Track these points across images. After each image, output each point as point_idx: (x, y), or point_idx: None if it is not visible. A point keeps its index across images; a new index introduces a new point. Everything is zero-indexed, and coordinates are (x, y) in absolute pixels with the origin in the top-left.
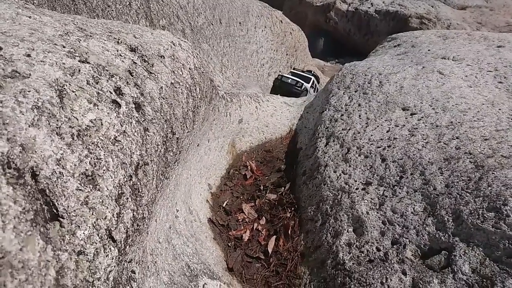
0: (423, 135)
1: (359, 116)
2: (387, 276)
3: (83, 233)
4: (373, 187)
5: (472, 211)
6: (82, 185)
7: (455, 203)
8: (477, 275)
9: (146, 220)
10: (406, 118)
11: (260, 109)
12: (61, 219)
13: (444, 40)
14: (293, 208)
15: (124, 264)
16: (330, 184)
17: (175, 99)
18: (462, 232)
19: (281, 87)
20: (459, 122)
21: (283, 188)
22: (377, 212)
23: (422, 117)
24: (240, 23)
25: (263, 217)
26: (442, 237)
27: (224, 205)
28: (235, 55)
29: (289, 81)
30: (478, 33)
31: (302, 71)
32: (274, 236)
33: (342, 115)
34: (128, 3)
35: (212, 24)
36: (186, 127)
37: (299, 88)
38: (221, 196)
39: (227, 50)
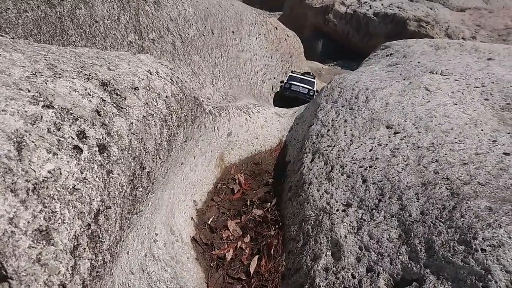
0: (404, 156)
1: (345, 132)
2: None
3: None
4: (353, 209)
5: (444, 243)
6: (35, 242)
7: (428, 232)
8: None
9: (108, 264)
10: (389, 137)
11: (250, 121)
12: (10, 280)
13: (436, 51)
14: (277, 226)
15: None
16: (313, 203)
17: (146, 133)
18: (433, 264)
19: (293, 97)
20: (440, 144)
21: (269, 204)
22: (355, 237)
23: (405, 137)
24: (233, 32)
25: (248, 235)
26: (414, 268)
27: (209, 222)
28: (228, 64)
29: (299, 89)
30: (470, 44)
31: (303, 75)
32: (257, 256)
33: (328, 130)
34: (116, 17)
35: (204, 35)
36: (159, 158)
37: (312, 94)
38: (207, 212)
39: (219, 60)
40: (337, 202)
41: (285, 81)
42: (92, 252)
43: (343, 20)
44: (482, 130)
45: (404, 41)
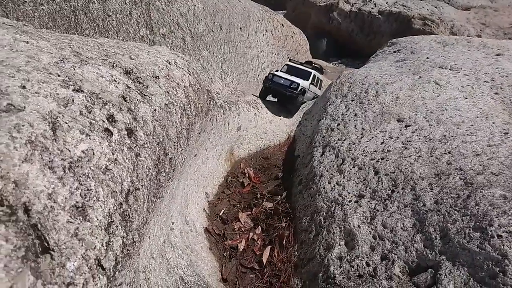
0: (416, 148)
1: (355, 126)
2: None
3: (73, 264)
4: (366, 200)
5: (459, 230)
6: (73, 217)
7: (443, 220)
8: None
9: (136, 244)
10: (400, 130)
11: (259, 115)
12: (52, 252)
13: (443, 47)
14: (288, 218)
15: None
16: (324, 195)
17: (168, 120)
18: (449, 250)
19: (272, 89)
20: (452, 136)
21: (279, 196)
22: (368, 226)
23: (416, 130)
24: (240, 28)
25: (259, 226)
26: (429, 255)
27: (221, 213)
28: (236, 60)
29: (281, 81)
30: (478, 40)
31: (301, 64)
32: (269, 247)
33: (338, 124)
34: (128, 12)
35: (213, 31)
36: (180, 145)
37: (295, 90)
38: (218, 204)
39: (227, 56)
40: (349, 193)
41: (278, 70)
42: (123, 230)
43: (348, 19)
44: (493, 123)
45: (411, 38)
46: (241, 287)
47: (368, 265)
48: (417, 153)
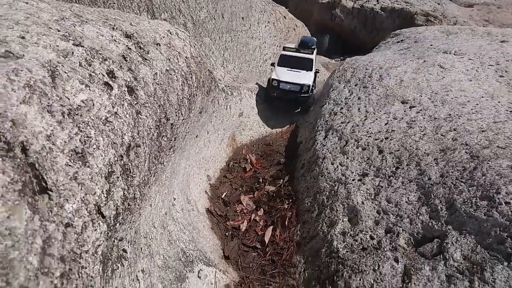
0: (421, 127)
1: (359, 109)
2: (379, 264)
3: (71, 206)
4: (369, 178)
5: (466, 200)
6: (72, 161)
7: (449, 192)
8: (467, 262)
9: (137, 201)
10: (404, 111)
11: (261, 103)
12: (49, 192)
13: (447, 36)
14: (290, 200)
15: (114, 242)
16: (327, 176)
17: (170, 86)
18: (455, 220)
19: (282, 98)
20: (457, 115)
21: (281, 180)
22: (372, 202)
23: (421, 110)
24: (243, 18)
25: (261, 209)
26: (435, 226)
27: (223, 196)
28: (237, 49)
29: (289, 87)
30: (482, 29)
31: (297, 50)
32: (271, 227)
33: (341, 108)
34: None
35: (214, 19)
36: (181, 114)
37: (307, 93)
38: (220, 187)
39: (229, 44)
40: (352, 173)
41: (275, 64)
42: (124, 183)
43: (350, 15)
44: (499, 102)
45: (414, 28)
46: (243, 265)
47: (372, 238)
48: (422, 131)
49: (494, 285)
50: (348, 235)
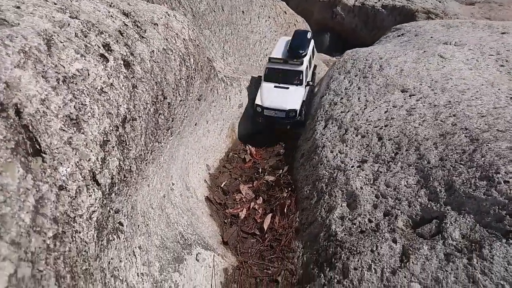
0: (421, 114)
1: (358, 99)
2: (378, 245)
3: (66, 170)
4: (368, 164)
5: (465, 181)
6: (66, 126)
7: (448, 174)
8: (466, 240)
9: (134, 174)
10: (404, 99)
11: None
12: (43, 155)
13: (448, 29)
14: (290, 189)
15: (110, 212)
16: (326, 164)
17: (167, 65)
18: (454, 201)
19: (269, 125)
20: (457, 101)
21: (281, 170)
22: (371, 187)
23: (421, 98)
24: (243, 12)
25: (260, 197)
26: (434, 207)
27: (222, 185)
28: (237, 43)
29: (273, 114)
30: (483, 22)
31: (285, 60)
32: (270, 214)
33: (341, 98)
34: None
35: (214, 11)
36: (179, 94)
37: (295, 118)
38: (220, 177)
39: (229, 37)
40: (351, 160)
41: (262, 78)
42: (120, 154)
43: (351, 13)
44: (499, 89)
45: (415, 23)
46: (242, 250)
47: (370, 221)
48: (422, 118)
49: (492, 262)
50: (347, 219)
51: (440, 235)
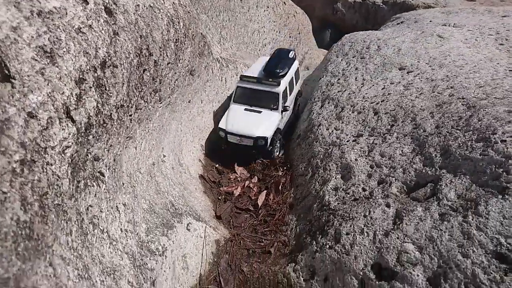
0: (418, 88)
1: (356, 78)
2: (370, 210)
3: (36, 98)
4: (364, 137)
5: (461, 144)
6: (39, 57)
7: (444, 140)
8: (462, 200)
9: (115, 123)
10: (402, 76)
11: None
12: (12, 80)
13: (447, 15)
14: (285, 168)
15: (88, 155)
16: (322, 141)
17: (153, 22)
18: (450, 164)
19: (234, 150)
20: (454, 75)
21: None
22: (366, 158)
23: (418, 74)
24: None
25: (256, 176)
26: (428, 171)
27: (216, 165)
28: (235, 30)
29: (238, 140)
30: (483, 7)
31: (258, 81)
32: (265, 191)
33: (338, 79)
34: None
35: None
36: (167, 55)
37: (263, 148)
38: (214, 157)
39: (227, 23)
40: (347, 135)
41: (231, 99)
42: (98, 96)
43: (352, 9)
44: (498, 63)
45: (414, 11)
46: (235, 224)
47: (364, 190)
48: (419, 91)
49: (488, 217)
50: (340, 189)
51: (435, 197)
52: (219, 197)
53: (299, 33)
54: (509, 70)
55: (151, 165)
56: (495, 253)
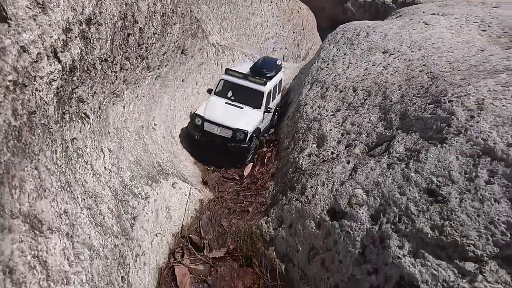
0: (395, 67)
1: (343, 62)
2: (333, 166)
3: (29, 36)
4: (341, 112)
5: (417, 108)
6: (32, 6)
7: (405, 106)
8: (408, 152)
9: (99, 73)
10: (384, 59)
11: None
12: (9, 21)
13: (443, 8)
14: (272, 144)
15: (73, 94)
16: (305, 117)
17: None
18: (405, 125)
19: (208, 141)
20: (430, 55)
21: (268, 131)
22: (339, 128)
23: (398, 56)
24: None
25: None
26: (387, 133)
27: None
28: (237, 22)
29: (216, 131)
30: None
31: (245, 76)
32: (251, 164)
33: (328, 64)
34: None
35: None
36: (153, 26)
37: (242, 143)
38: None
39: (228, 15)
40: (327, 111)
41: (212, 92)
42: (83, 45)
43: (362, 9)
44: (473, 45)
45: (414, 5)
46: (220, 189)
47: (332, 153)
48: (395, 70)
49: (425, 162)
50: (313, 154)
51: (387, 151)
52: (208, 168)
53: (303, 29)
54: (481, 50)
55: (140, 127)
56: (427, 190)
